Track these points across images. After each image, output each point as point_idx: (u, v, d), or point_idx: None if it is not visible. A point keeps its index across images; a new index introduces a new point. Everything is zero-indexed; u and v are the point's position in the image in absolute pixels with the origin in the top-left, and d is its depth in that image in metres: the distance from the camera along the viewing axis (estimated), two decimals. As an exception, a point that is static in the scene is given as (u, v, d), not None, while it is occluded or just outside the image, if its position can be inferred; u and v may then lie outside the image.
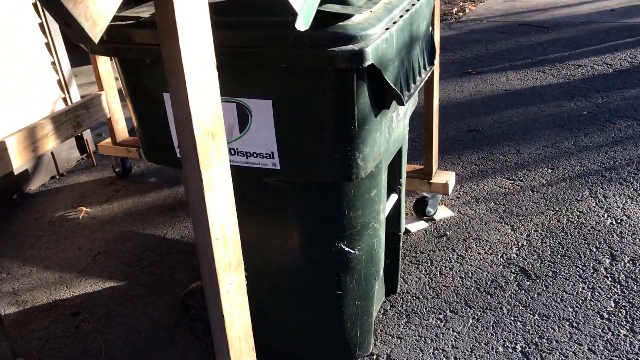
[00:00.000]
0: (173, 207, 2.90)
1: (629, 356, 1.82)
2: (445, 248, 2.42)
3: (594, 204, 2.59)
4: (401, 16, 1.50)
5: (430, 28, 1.81)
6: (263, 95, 1.48)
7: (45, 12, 3.17)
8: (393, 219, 2.00)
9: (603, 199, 2.62)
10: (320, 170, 1.54)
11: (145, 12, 1.60)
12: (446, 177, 2.54)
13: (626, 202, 2.57)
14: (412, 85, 1.62)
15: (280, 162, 1.55)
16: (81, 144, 3.53)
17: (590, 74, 3.96)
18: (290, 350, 1.94)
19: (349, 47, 1.32)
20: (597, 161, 2.91)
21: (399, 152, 1.90)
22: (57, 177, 3.35)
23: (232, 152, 1.59)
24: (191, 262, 2.48)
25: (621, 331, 1.92)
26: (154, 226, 2.78)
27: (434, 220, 2.61)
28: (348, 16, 1.35)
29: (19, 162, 2.63)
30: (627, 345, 1.86)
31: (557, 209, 2.59)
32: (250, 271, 1.77)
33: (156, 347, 2.05)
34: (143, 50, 1.51)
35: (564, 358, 1.85)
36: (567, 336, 1.93)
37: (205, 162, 1.02)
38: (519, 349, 1.90)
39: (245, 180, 1.60)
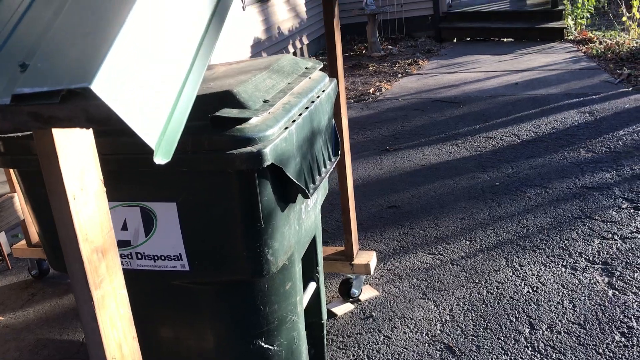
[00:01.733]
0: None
1: None
2: (371, 330, 2.42)
3: (510, 273, 2.67)
4: (300, 114, 1.56)
5: (334, 120, 1.89)
6: (167, 198, 1.48)
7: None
8: (313, 307, 2.00)
9: (519, 267, 2.71)
10: (230, 268, 1.53)
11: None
12: (367, 258, 2.57)
13: (540, 269, 2.67)
14: (318, 177, 1.67)
15: (189, 263, 1.53)
16: (-6, 248, 3.37)
17: (500, 145, 4.18)
18: None
19: (248, 149, 1.35)
20: (511, 230, 3.03)
21: (314, 240, 1.92)
22: (-33, 284, 3.17)
23: (139, 256, 1.56)
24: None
25: (544, 402, 1.95)
26: (71, 331, 2.65)
27: (360, 301, 2.61)
28: (245, 119, 1.39)
29: None
30: (550, 416, 1.89)
31: (477, 280, 2.65)
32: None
33: None
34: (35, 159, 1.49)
35: None
36: (493, 412, 1.94)
37: (96, 281, 1.00)
38: None
39: (154, 285, 1.57)
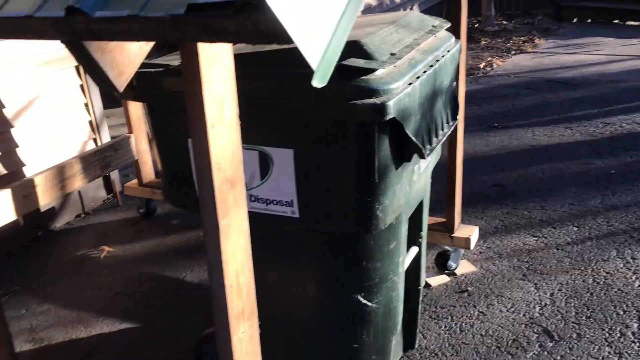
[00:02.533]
0: (193, 251, 2.91)
1: None
2: (466, 304, 2.37)
3: (621, 265, 2.52)
4: (425, 72, 1.52)
5: (455, 83, 1.83)
6: (285, 145, 1.49)
7: (82, 55, 3.29)
8: (412, 272, 1.97)
9: (631, 260, 2.55)
10: (339, 220, 1.53)
11: (174, 59, 1.64)
12: (469, 232, 2.51)
13: (655, 264, 2.51)
14: (434, 139, 1.63)
15: (299, 210, 1.55)
16: (108, 184, 3.58)
17: (618, 133, 3.92)
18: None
19: (372, 100, 1.33)
20: (625, 221, 2.85)
21: (420, 204, 1.88)
22: (83, 215, 3.40)
23: (252, 199, 1.59)
24: (208, 306, 2.47)
25: (649, 401, 1.84)
26: (173, 268, 2.79)
27: (455, 275, 2.56)
28: (371, 70, 1.37)
29: (45, 199, 2.68)
30: (655, 416, 1.78)
31: (582, 268, 2.53)
32: (266, 321, 1.75)
33: (168, 393, 2.02)
34: (171, 98, 1.55)
35: None
36: (591, 403, 1.85)
37: (223, 210, 1.03)
38: (540, 414, 1.83)
39: (264, 228, 1.61)
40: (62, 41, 0.81)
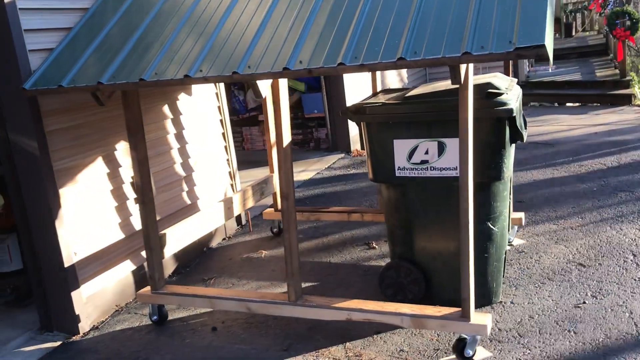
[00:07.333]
0: (324, 248, 4.19)
1: (655, 291, 3.12)
2: (525, 257, 3.74)
3: (615, 233, 3.96)
4: (517, 98, 3.00)
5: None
6: (454, 136, 2.91)
7: (225, 123, 4.67)
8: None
9: (620, 230, 4.00)
10: (483, 174, 2.93)
11: (381, 99, 3.08)
12: (519, 215, 3.93)
13: (636, 232, 3.96)
14: (524, 134, 3.08)
15: (460, 171, 2.94)
16: (237, 219, 4.86)
17: (591, 169, 5.50)
18: (453, 298, 3.17)
19: (505, 107, 2.79)
20: (610, 213, 4.33)
21: (511, 176, 3.30)
22: (226, 238, 4.64)
23: (431, 169, 2.98)
24: (357, 271, 3.75)
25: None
26: (318, 257, 4.06)
27: (512, 245, 3.94)
28: (502, 94, 2.84)
29: (238, 211, 3.98)
30: (653, 287, 3.16)
31: (591, 236, 3.95)
32: (439, 241, 3.08)
33: (362, 307, 3.26)
34: (387, 117, 2.97)
35: (617, 298, 3.13)
36: (617, 288, 3.22)
37: (470, 174, 2.43)
38: (589, 294, 3.18)
39: (437, 185, 2.98)
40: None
